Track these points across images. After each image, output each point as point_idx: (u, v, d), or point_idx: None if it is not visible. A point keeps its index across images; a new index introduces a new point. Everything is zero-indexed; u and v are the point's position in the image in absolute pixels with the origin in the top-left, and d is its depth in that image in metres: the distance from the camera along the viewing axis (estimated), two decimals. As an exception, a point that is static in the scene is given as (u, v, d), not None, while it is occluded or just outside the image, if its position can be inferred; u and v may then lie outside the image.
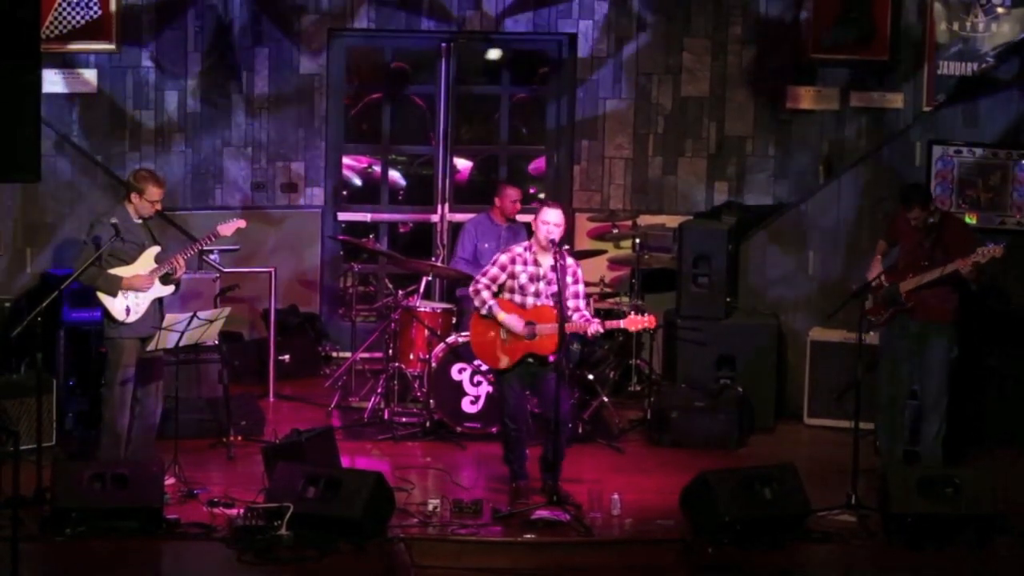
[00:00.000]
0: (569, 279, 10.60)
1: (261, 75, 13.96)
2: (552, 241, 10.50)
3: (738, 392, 12.25)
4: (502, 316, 10.57)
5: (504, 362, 10.64)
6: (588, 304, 10.91)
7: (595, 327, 10.51)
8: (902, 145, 12.85)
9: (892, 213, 11.50)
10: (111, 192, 12.57)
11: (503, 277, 10.66)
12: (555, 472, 10.54)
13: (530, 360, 10.58)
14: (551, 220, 10.53)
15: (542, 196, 14.42)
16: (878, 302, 11.07)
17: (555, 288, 10.45)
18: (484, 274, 10.71)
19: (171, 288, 10.78)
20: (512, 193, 12.89)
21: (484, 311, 10.63)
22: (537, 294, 10.61)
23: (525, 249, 10.68)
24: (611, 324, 10.70)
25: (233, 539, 9.79)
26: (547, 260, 10.60)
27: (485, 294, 10.64)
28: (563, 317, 10.35)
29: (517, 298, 10.64)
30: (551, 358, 10.49)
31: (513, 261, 10.66)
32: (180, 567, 9.69)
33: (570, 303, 10.52)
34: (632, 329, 10.82)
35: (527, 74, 15.08)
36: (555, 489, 10.40)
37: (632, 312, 10.86)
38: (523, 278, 10.63)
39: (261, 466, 10.78)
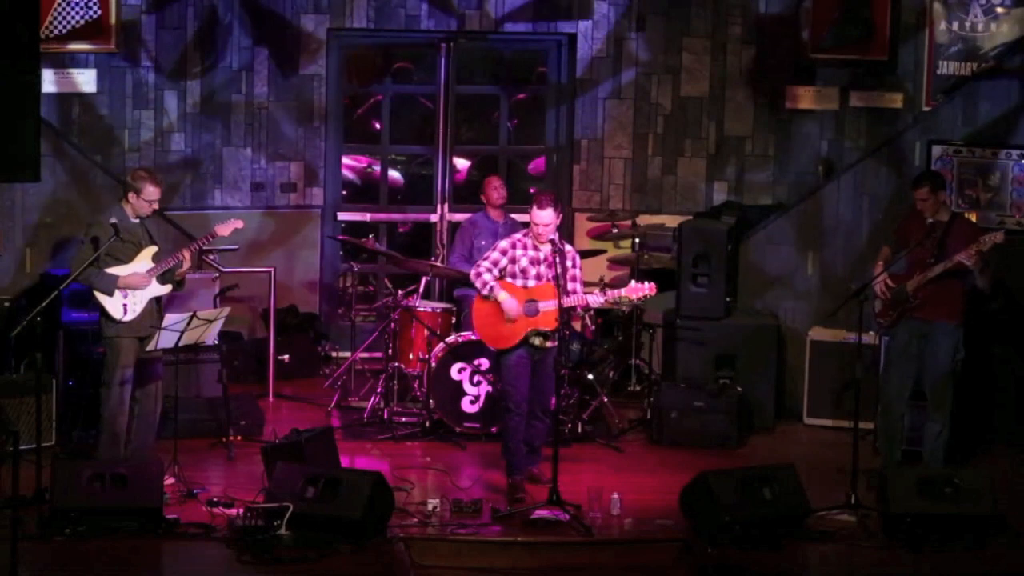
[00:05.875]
0: (568, 263, 10.71)
1: (261, 75, 13.96)
2: (549, 239, 10.64)
3: (737, 392, 12.25)
4: (502, 296, 10.64)
5: (508, 341, 10.68)
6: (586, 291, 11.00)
7: (595, 298, 10.64)
8: (902, 145, 12.84)
9: (901, 217, 11.46)
10: (110, 192, 12.55)
11: (504, 261, 10.74)
12: (535, 457, 10.82)
13: (533, 338, 10.61)
14: (541, 222, 10.61)
15: (532, 191, 14.40)
16: (887, 304, 11.04)
17: (555, 272, 10.56)
18: (485, 258, 10.80)
19: (169, 287, 10.77)
20: (492, 180, 12.92)
21: (485, 291, 10.70)
22: (538, 277, 10.69)
23: (524, 235, 10.80)
24: (612, 293, 10.78)
25: (233, 539, 9.78)
26: (546, 245, 10.72)
27: (487, 276, 10.71)
28: (561, 291, 10.51)
29: (518, 282, 10.73)
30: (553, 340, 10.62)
31: (514, 246, 10.76)
32: (180, 567, 9.68)
33: (568, 286, 10.63)
34: (633, 297, 10.84)
35: (526, 74, 15.07)
36: (533, 474, 10.73)
37: (632, 280, 10.85)
38: (524, 262, 10.72)
39: (261, 466, 10.78)
